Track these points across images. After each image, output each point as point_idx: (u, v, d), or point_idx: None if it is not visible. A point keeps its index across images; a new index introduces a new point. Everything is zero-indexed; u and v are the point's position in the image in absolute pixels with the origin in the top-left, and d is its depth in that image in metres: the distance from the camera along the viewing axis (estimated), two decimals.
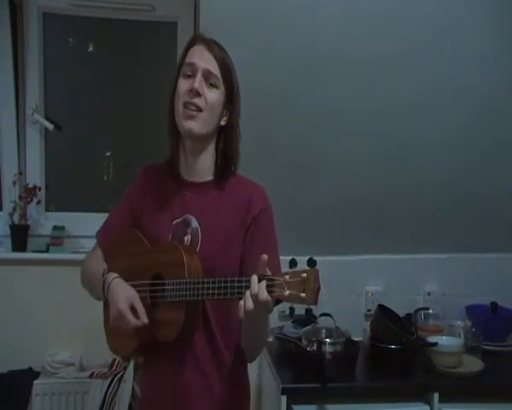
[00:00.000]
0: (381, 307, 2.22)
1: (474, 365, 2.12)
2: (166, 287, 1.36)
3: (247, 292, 1.20)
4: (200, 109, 1.38)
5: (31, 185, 2.50)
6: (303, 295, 1.13)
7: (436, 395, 2.01)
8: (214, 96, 1.40)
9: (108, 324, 1.49)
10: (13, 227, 2.46)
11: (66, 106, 2.63)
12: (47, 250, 2.49)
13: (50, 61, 2.53)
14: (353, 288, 2.53)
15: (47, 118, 2.52)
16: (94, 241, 2.57)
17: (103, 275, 1.44)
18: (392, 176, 2.37)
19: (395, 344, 2.07)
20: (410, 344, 2.08)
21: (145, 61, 2.65)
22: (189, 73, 1.41)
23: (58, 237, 2.50)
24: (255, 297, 1.18)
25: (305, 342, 2.07)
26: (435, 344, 2.09)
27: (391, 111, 2.23)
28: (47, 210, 2.60)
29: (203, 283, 1.29)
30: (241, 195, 1.46)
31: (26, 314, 2.43)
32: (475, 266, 2.59)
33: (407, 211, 2.46)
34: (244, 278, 1.24)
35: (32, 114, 2.49)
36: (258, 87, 2.05)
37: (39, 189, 2.51)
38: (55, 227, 2.52)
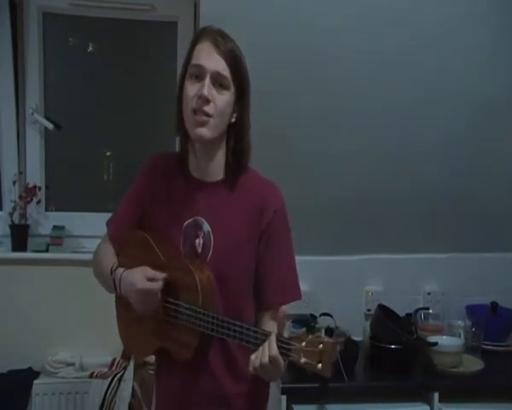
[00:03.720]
0: (381, 307, 2.22)
1: (474, 365, 2.13)
2: (180, 309, 1.33)
3: (263, 348, 1.19)
4: (209, 115, 1.33)
5: (31, 185, 2.50)
6: (319, 366, 1.12)
7: (436, 395, 2.01)
8: (224, 98, 1.35)
9: (122, 320, 1.48)
10: (13, 227, 2.46)
11: (66, 106, 2.63)
12: (47, 250, 2.48)
13: (50, 61, 2.53)
14: (353, 288, 2.53)
15: (47, 118, 2.52)
16: (94, 241, 2.56)
17: (111, 272, 1.41)
18: (393, 176, 2.37)
19: (395, 344, 2.07)
20: (410, 344, 2.08)
21: (145, 61, 2.65)
22: (197, 75, 1.35)
23: (58, 237, 2.50)
24: (273, 358, 1.17)
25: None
26: (435, 344, 2.10)
27: (391, 111, 2.23)
28: (47, 210, 2.60)
29: (218, 319, 1.27)
30: (254, 195, 1.42)
31: (26, 314, 2.43)
32: (475, 266, 2.59)
33: (407, 211, 2.46)
34: (261, 332, 1.23)
35: (32, 113, 2.49)
36: (258, 87, 2.05)
37: (39, 189, 2.51)
38: (54, 227, 2.52)
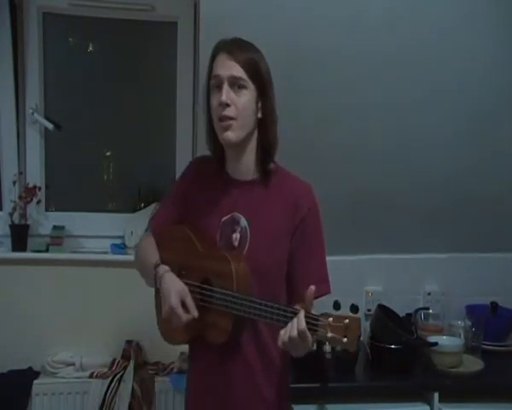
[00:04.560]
0: (381, 307, 2.22)
1: (474, 365, 2.13)
2: (215, 294, 1.42)
3: (292, 323, 1.26)
4: (232, 118, 1.43)
5: (31, 185, 2.50)
6: (345, 339, 1.19)
7: (436, 395, 2.01)
8: (244, 98, 1.44)
9: (161, 312, 1.54)
10: (13, 227, 2.46)
11: (66, 106, 2.63)
12: (47, 250, 2.48)
13: (50, 61, 2.53)
14: (353, 288, 2.53)
15: (47, 118, 2.52)
16: (94, 241, 2.60)
17: (155, 267, 1.50)
18: (392, 176, 2.37)
19: (395, 344, 2.07)
20: (410, 344, 2.08)
21: (145, 61, 2.65)
22: (217, 85, 1.45)
23: (58, 237, 2.50)
24: (301, 332, 1.24)
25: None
26: (435, 344, 2.09)
27: (391, 111, 2.23)
28: (47, 210, 2.60)
29: (250, 301, 1.35)
30: (288, 194, 1.51)
31: (26, 314, 2.43)
32: (475, 266, 2.59)
33: (407, 211, 2.46)
34: (290, 309, 1.30)
35: (32, 113, 2.49)
36: None
37: (39, 189, 2.51)
38: (54, 227, 2.52)
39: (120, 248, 2.51)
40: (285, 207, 1.49)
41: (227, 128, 1.43)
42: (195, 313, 1.42)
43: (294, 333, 1.24)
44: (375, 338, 2.14)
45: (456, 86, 2.20)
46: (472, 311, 2.49)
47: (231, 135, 1.44)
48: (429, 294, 2.58)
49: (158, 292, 1.55)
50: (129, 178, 2.73)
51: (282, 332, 1.27)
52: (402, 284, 2.54)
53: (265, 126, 1.49)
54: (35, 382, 2.35)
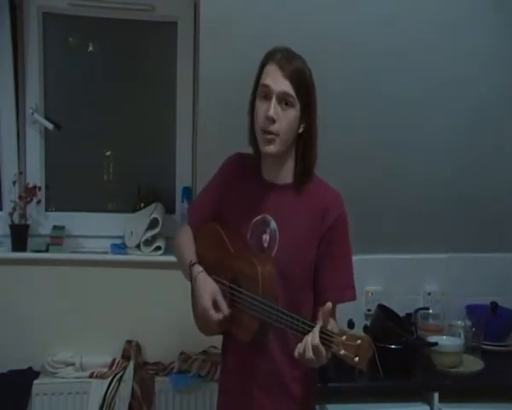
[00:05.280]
0: (381, 307, 2.22)
1: (474, 365, 2.13)
2: (242, 296, 1.48)
3: (307, 339, 1.31)
4: (276, 134, 1.47)
5: (31, 185, 2.50)
6: (356, 359, 1.25)
7: (436, 395, 2.01)
8: (290, 116, 1.48)
9: (196, 309, 1.63)
10: (13, 227, 2.46)
11: (66, 106, 2.63)
12: (47, 250, 2.48)
13: (50, 61, 2.53)
14: None
15: (47, 118, 2.52)
16: (94, 241, 2.60)
17: (190, 266, 1.57)
18: (392, 176, 2.37)
19: (395, 344, 2.07)
20: (410, 344, 2.08)
21: (145, 61, 2.65)
22: (265, 94, 1.48)
23: (58, 237, 2.50)
24: (315, 347, 1.29)
25: None
26: (435, 344, 2.10)
27: (391, 111, 2.23)
28: (47, 210, 2.60)
29: (273, 309, 1.41)
30: (318, 200, 1.56)
31: (26, 314, 2.43)
32: (475, 266, 2.59)
33: (407, 211, 2.46)
34: (308, 323, 1.36)
35: (32, 113, 2.49)
36: None
37: (39, 189, 2.51)
38: (54, 227, 2.52)
39: (120, 248, 2.51)
40: (314, 214, 1.54)
41: (270, 142, 1.48)
42: (226, 312, 1.49)
43: (309, 348, 1.29)
44: (375, 338, 2.13)
45: (456, 86, 2.20)
46: (472, 311, 2.49)
47: (272, 149, 1.49)
48: (429, 294, 2.59)
49: (193, 289, 1.61)
50: (129, 178, 2.72)
51: (298, 345, 1.33)
52: (402, 284, 2.55)
53: (306, 141, 1.55)
54: (35, 382, 2.34)
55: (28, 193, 2.47)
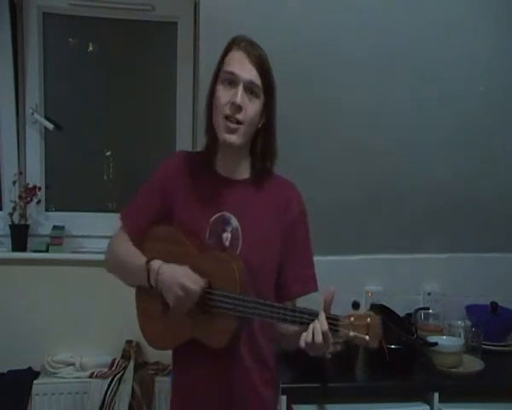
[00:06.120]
0: (381, 307, 2.22)
1: (474, 365, 2.12)
2: (217, 297, 1.37)
3: (315, 326, 1.26)
4: (240, 123, 1.40)
5: (31, 185, 2.50)
6: (367, 338, 1.24)
7: (436, 395, 2.01)
8: (254, 107, 1.42)
9: (145, 313, 1.52)
10: (13, 227, 2.46)
11: (66, 106, 2.63)
12: (47, 250, 2.48)
13: (50, 61, 2.53)
14: (353, 288, 2.53)
15: (47, 118, 2.52)
16: (94, 241, 2.59)
17: (147, 263, 1.42)
18: (393, 176, 2.37)
19: (395, 344, 2.06)
20: (410, 344, 2.07)
21: (145, 61, 2.65)
22: (230, 81, 1.41)
23: (58, 237, 2.50)
24: (325, 334, 1.25)
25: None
26: (435, 344, 2.09)
27: (391, 111, 2.23)
28: (47, 210, 2.60)
29: (260, 303, 1.33)
30: (279, 195, 1.50)
31: (26, 314, 2.43)
32: (475, 266, 2.59)
33: (407, 211, 2.45)
34: (307, 311, 1.30)
35: (32, 113, 2.49)
36: None
37: (39, 189, 2.51)
38: (54, 227, 2.52)
39: None
40: (276, 209, 1.49)
41: (233, 131, 1.40)
42: (202, 283, 1.36)
43: (319, 335, 1.26)
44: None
45: (456, 86, 2.20)
46: (472, 311, 2.49)
47: (235, 138, 1.41)
48: (429, 294, 2.58)
49: (142, 293, 1.51)
50: (129, 178, 2.72)
51: (304, 334, 1.28)
52: (402, 284, 2.54)
53: (268, 137, 1.49)
54: (35, 382, 2.35)
55: (28, 193, 2.47)
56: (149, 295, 1.46)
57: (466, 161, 2.36)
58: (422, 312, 2.43)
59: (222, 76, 1.43)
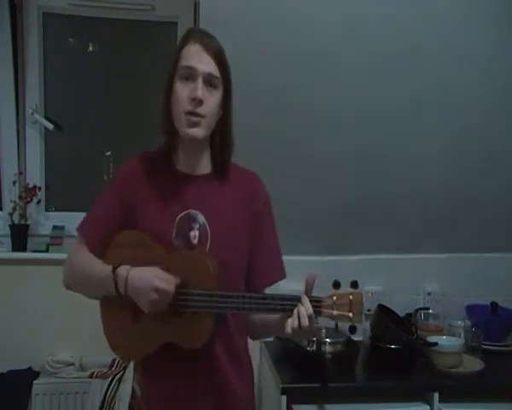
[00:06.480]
0: (381, 307, 2.22)
1: (474, 365, 2.13)
2: (193, 297, 1.33)
3: (299, 310, 1.27)
4: (202, 116, 1.39)
5: (31, 185, 2.50)
6: (350, 314, 1.26)
7: (436, 395, 2.01)
8: (214, 99, 1.40)
9: (112, 321, 1.49)
10: (13, 227, 2.46)
11: (66, 106, 2.63)
12: (47, 250, 2.48)
13: (50, 61, 2.53)
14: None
15: (47, 118, 2.52)
16: None
17: (114, 270, 1.36)
18: (393, 176, 2.37)
19: (395, 344, 2.07)
20: (410, 344, 2.07)
21: (145, 61, 2.65)
22: (188, 76, 1.39)
23: (58, 237, 2.50)
24: (310, 317, 1.26)
25: (304, 342, 2.07)
26: (435, 344, 2.09)
27: (391, 112, 2.23)
28: (47, 210, 2.60)
29: (243, 297, 1.33)
30: (243, 186, 1.50)
31: (26, 314, 2.43)
32: (475, 266, 2.59)
33: (407, 211, 2.46)
34: (291, 297, 1.30)
35: (32, 114, 2.49)
36: (256, 87, 2.05)
37: (39, 189, 2.51)
38: (54, 227, 2.52)
39: None
40: (242, 200, 1.48)
41: (195, 124, 1.38)
42: (177, 280, 1.33)
43: (305, 320, 1.26)
44: (375, 338, 2.14)
45: (456, 86, 2.20)
46: (472, 311, 2.49)
47: (198, 132, 1.39)
48: (429, 294, 2.58)
49: (107, 302, 1.45)
50: None
51: (289, 320, 1.28)
52: (402, 284, 2.55)
53: (226, 129, 1.47)
54: (35, 382, 2.35)
55: (28, 193, 2.47)
56: (116, 305, 1.42)
57: (466, 161, 2.36)
58: (422, 312, 2.43)
59: (180, 72, 1.41)
